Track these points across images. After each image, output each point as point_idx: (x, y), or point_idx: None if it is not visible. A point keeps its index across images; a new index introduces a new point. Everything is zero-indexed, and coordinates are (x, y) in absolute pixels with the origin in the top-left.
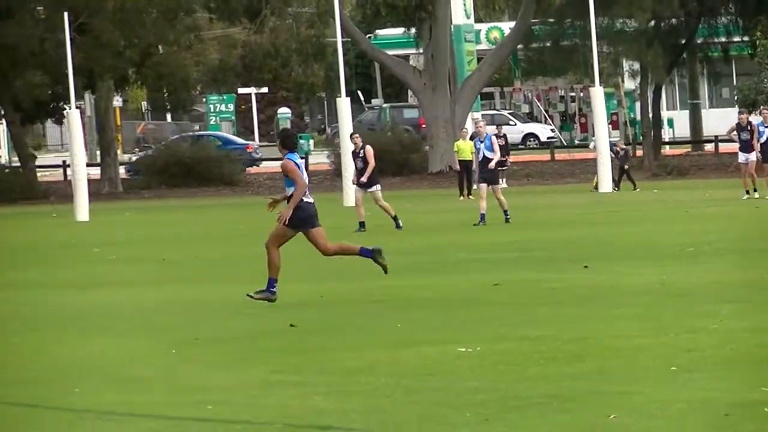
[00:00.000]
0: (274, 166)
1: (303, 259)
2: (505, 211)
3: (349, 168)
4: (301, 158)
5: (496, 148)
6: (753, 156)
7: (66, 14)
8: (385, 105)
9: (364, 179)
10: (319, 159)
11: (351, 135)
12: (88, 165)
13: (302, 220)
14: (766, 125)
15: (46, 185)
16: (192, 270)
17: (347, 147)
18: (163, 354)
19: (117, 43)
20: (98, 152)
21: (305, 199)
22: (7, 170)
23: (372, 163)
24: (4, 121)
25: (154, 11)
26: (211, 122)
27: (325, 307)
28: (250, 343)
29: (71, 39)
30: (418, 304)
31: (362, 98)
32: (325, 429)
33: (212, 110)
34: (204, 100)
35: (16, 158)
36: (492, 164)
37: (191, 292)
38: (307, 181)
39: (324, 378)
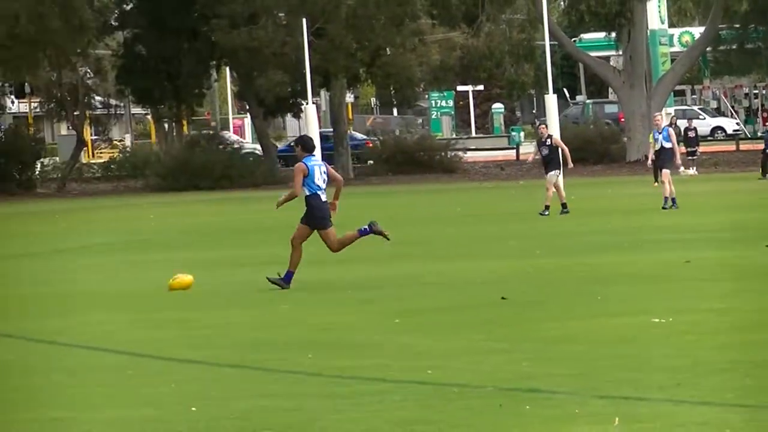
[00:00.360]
0: (486, 156)
1: (513, 240)
2: (666, 199)
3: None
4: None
5: (674, 139)
6: None
7: (304, 20)
8: (588, 101)
9: (569, 164)
10: (530, 149)
11: (538, 125)
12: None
13: (319, 219)
14: None
15: (285, 172)
16: (417, 248)
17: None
18: (389, 322)
19: (349, 45)
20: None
21: (323, 200)
22: (251, 159)
23: (565, 147)
24: (249, 114)
25: (383, 17)
26: (433, 117)
27: (533, 281)
28: (465, 314)
29: (309, 42)
30: (616, 279)
31: (567, 95)
32: (532, 392)
33: (434, 105)
34: (426, 96)
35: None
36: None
37: (415, 267)
38: (323, 182)
39: (530, 345)
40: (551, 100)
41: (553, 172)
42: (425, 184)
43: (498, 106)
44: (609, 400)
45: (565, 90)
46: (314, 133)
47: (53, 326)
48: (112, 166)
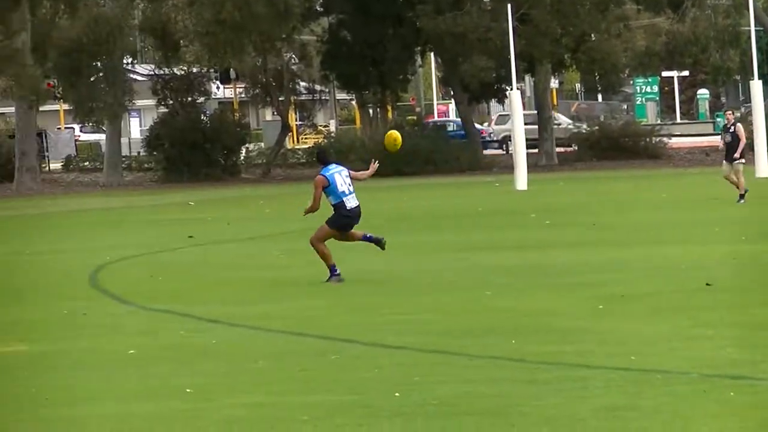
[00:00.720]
0: (691, 142)
1: (718, 227)
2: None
3: (760, 143)
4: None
5: (741, 135)
6: None
7: (509, 6)
8: None
9: (736, 155)
10: None
11: (725, 110)
12: (527, 140)
13: (344, 224)
14: None
15: (490, 157)
16: (619, 233)
17: (759, 125)
18: (593, 308)
19: (554, 31)
20: (536, 128)
21: (351, 205)
22: (455, 144)
23: (743, 139)
24: (453, 100)
25: (588, 3)
26: (637, 102)
27: (738, 267)
28: (669, 300)
29: (513, 28)
30: None
31: None
32: (737, 378)
33: (638, 91)
34: (631, 82)
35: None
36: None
37: (619, 252)
38: (348, 185)
39: (735, 332)
40: (756, 86)
41: (738, 161)
42: (629, 170)
43: (703, 92)
44: None
45: None
46: (519, 118)
47: (256, 312)
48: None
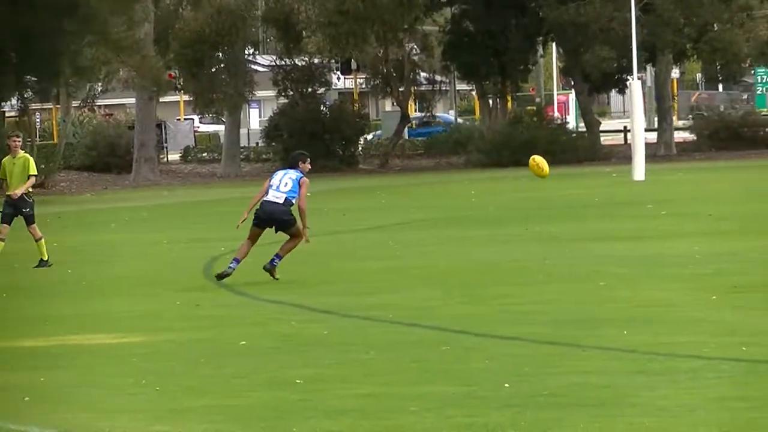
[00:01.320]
0: None
1: None
2: None
3: None
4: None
5: None
6: None
7: None
8: None
9: None
10: None
11: None
12: (646, 130)
13: (256, 220)
14: None
15: (608, 148)
16: (737, 223)
17: None
18: (707, 299)
19: (677, 21)
20: (656, 119)
21: (267, 198)
22: (574, 134)
23: None
24: (573, 90)
25: None
26: (758, 92)
27: None
28: None
29: (636, 17)
30: None
31: None
32: None
33: (759, 81)
34: (752, 72)
35: (582, 124)
36: None
37: (735, 243)
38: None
39: None
40: None
41: None
42: (749, 160)
43: None
44: None
45: None
46: (639, 108)
47: (370, 302)
48: (435, 143)
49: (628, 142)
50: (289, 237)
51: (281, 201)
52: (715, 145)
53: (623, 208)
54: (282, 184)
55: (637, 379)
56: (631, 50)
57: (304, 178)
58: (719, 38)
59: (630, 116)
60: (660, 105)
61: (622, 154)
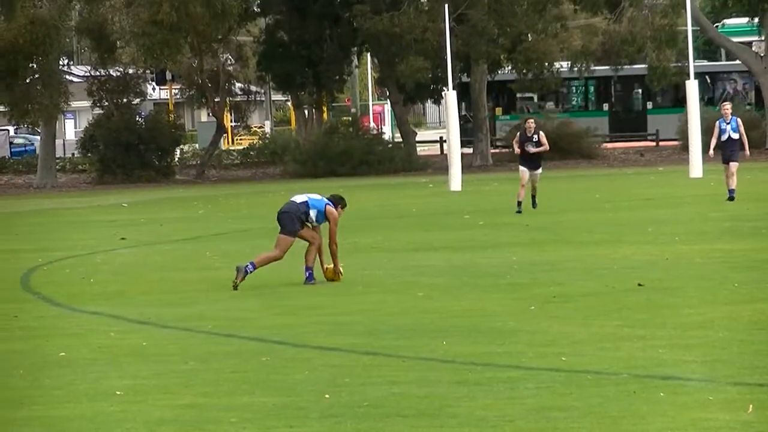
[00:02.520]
0: (625, 142)
1: (651, 226)
2: (732, 190)
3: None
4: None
5: (742, 130)
6: None
7: (446, 6)
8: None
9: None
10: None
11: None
12: (462, 140)
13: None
14: None
15: (425, 158)
16: (552, 234)
17: (695, 125)
18: (525, 309)
19: (491, 31)
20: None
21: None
22: (390, 145)
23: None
24: (389, 101)
25: (525, 3)
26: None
27: (670, 268)
28: (601, 300)
29: (450, 28)
30: (754, 265)
31: (709, 80)
32: (667, 379)
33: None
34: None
35: (398, 134)
36: (745, 146)
37: (551, 253)
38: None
39: (666, 332)
40: (692, 85)
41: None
42: (564, 170)
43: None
44: (744, 386)
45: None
46: (454, 119)
47: (188, 313)
48: (251, 153)
49: (445, 152)
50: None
51: (299, 201)
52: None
53: (440, 218)
54: (305, 195)
55: (457, 389)
56: (445, 60)
57: (333, 212)
58: (533, 48)
59: (446, 127)
60: (475, 116)
61: (438, 165)
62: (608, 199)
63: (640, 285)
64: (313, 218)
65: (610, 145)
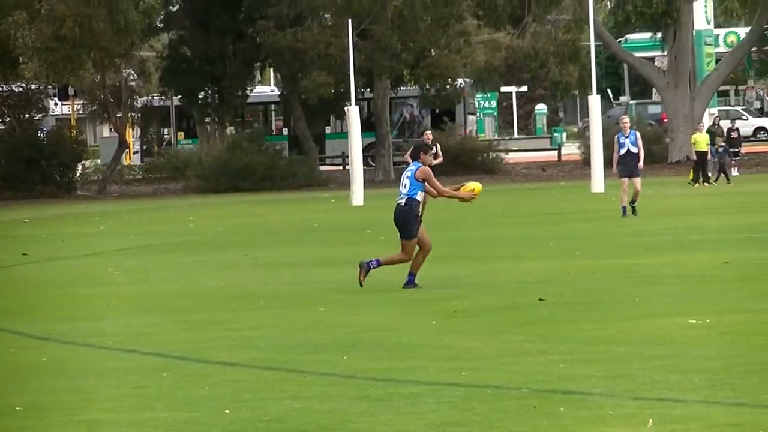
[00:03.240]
0: (528, 157)
1: (553, 242)
2: (633, 201)
3: (597, 158)
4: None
5: (641, 144)
6: None
7: (350, 21)
8: (631, 102)
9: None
10: (572, 150)
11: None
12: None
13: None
14: None
15: (327, 173)
16: (454, 249)
17: (597, 140)
18: (426, 324)
19: (395, 46)
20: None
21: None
22: (293, 160)
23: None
24: (291, 116)
25: (429, 18)
26: (476, 118)
27: (571, 283)
28: (502, 315)
29: (354, 43)
30: (654, 280)
31: (611, 96)
32: (567, 393)
33: (477, 107)
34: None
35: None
36: (641, 159)
37: (453, 269)
38: (404, 186)
39: (567, 347)
40: (595, 101)
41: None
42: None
43: (541, 107)
44: (644, 401)
45: (609, 91)
46: (357, 134)
47: (89, 329)
48: (153, 168)
49: (347, 167)
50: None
51: (403, 203)
52: (434, 171)
53: (342, 233)
54: (402, 186)
55: (358, 404)
56: (348, 76)
57: (422, 168)
58: (437, 63)
59: (348, 142)
60: (377, 130)
61: (341, 180)
62: (510, 214)
63: (541, 300)
64: (420, 198)
65: (512, 160)
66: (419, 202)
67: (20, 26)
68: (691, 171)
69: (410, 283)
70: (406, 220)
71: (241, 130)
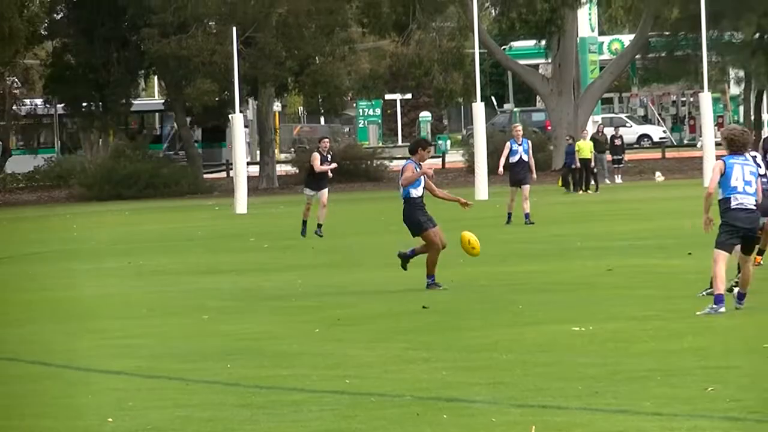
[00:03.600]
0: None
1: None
2: (527, 214)
3: (481, 165)
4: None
5: (531, 153)
6: None
7: (234, 29)
8: (515, 109)
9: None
10: (457, 157)
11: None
12: (248, 164)
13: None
14: None
15: (211, 181)
16: (338, 257)
17: (481, 147)
18: (310, 332)
19: (279, 54)
20: (258, 152)
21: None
22: (176, 167)
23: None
24: (175, 123)
25: (313, 26)
26: (360, 125)
27: (455, 290)
28: (386, 323)
29: (238, 51)
30: (539, 287)
31: (495, 103)
32: (451, 401)
33: (361, 114)
34: (354, 105)
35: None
36: (533, 169)
37: (338, 277)
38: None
39: (450, 354)
40: (479, 108)
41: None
42: (350, 192)
43: (425, 115)
44: (527, 408)
45: (493, 98)
46: (241, 142)
47: None
48: (36, 176)
49: (231, 175)
50: None
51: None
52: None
53: (226, 241)
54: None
55: (241, 412)
56: (233, 83)
57: (406, 167)
58: (321, 71)
59: (233, 150)
60: (262, 138)
61: (224, 188)
62: (394, 221)
63: (425, 307)
64: (415, 194)
65: (396, 167)
66: (415, 198)
67: None
68: (560, 178)
69: (430, 285)
70: (407, 218)
71: (126, 138)
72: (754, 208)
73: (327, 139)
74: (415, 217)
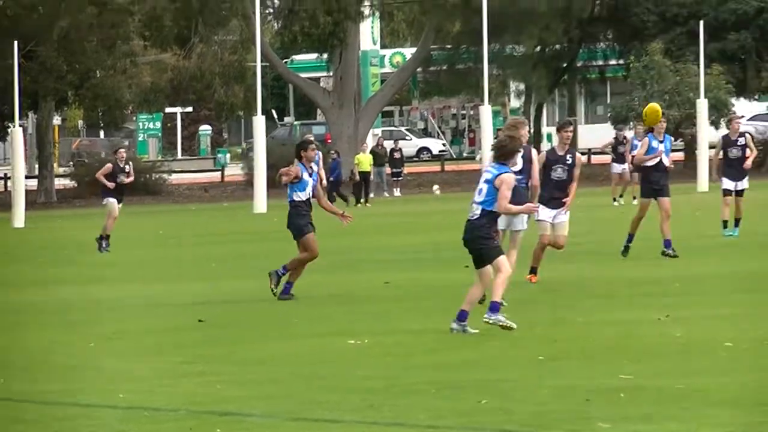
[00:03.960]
0: (192, 178)
1: (215, 263)
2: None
3: (260, 179)
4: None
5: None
6: (626, 167)
7: (15, 42)
8: (296, 122)
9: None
10: (236, 170)
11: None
12: (27, 177)
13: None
14: (639, 139)
15: None
16: (116, 270)
17: (261, 161)
18: (84, 346)
19: (60, 68)
20: (36, 165)
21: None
22: None
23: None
24: None
25: (95, 39)
26: (139, 139)
27: (231, 304)
28: (162, 337)
29: (19, 64)
30: (317, 300)
31: (276, 116)
32: (225, 415)
33: (141, 128)
34: (134, 118)
35: None
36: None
37: (113, 290)
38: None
39: (226, 368)
40: (259, 121)
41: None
42: (128, 206)
43: (205, 128)
44: (303, 422)
45: (273, 111)
46: (20, 155)
47: None
48: None
49: (9, 189)
50: None
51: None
52: (95, 192)
53: (5, 256)
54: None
55: (13, 427)
56: (13, 97)
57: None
58: (101, 85)
59: (11, 163)
60: (41, 152)
61: (2, 201)
62: (173, 235)
63: (200, 321)
64: (297, 198)
65: (175, 181)
66: (298, 201)
67: None
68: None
69: (284, 292)
70: (289, 222)
71: None
72: (472, 218)
73: (122, 150)
74: (296, 221)
